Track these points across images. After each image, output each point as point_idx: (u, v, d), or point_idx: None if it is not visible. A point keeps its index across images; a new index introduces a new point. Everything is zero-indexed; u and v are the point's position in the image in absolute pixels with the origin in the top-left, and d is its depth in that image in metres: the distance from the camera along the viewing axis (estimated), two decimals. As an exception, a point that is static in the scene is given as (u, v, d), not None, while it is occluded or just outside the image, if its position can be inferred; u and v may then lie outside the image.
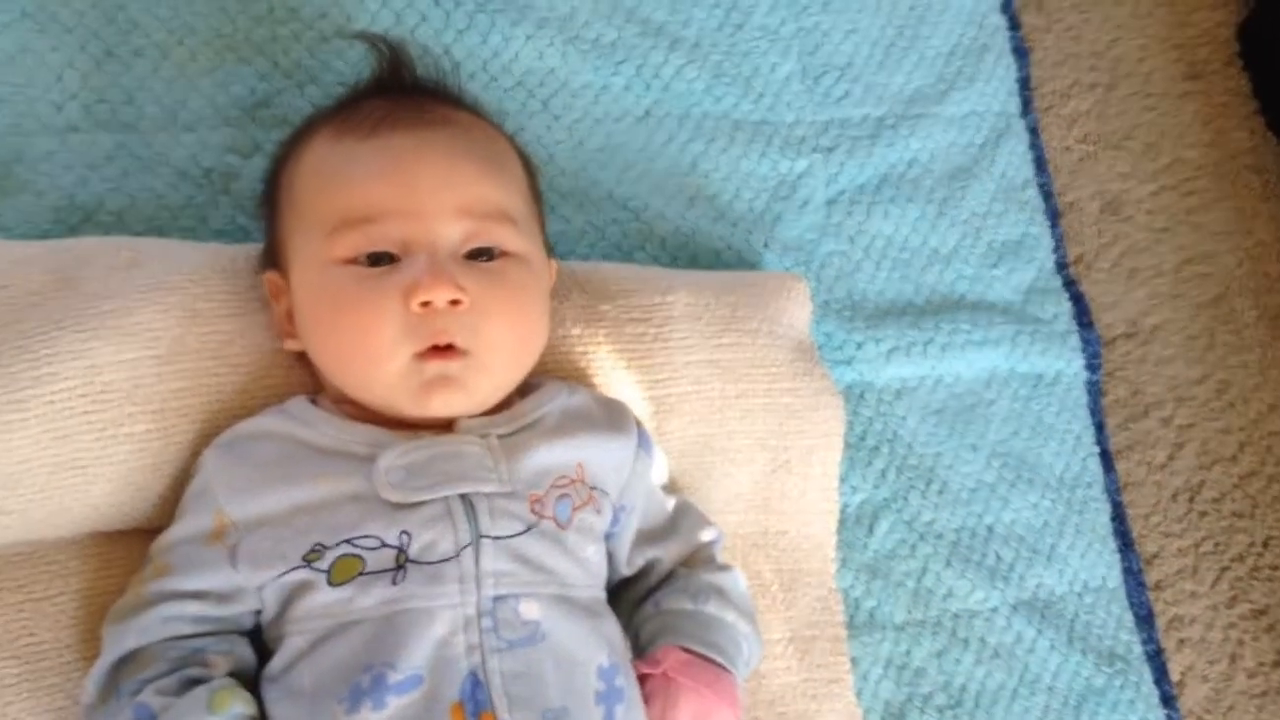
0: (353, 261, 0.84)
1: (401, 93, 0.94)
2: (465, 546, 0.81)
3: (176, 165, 1.05)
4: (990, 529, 1.21)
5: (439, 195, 0.85)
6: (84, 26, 1.06)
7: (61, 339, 0.85)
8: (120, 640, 0.81)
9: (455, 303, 0.82)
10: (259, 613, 0.84)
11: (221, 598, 0.83)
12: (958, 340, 1.24)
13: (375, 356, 0.83)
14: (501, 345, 0.86)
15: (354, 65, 1.09)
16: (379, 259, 0.84)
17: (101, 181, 1.03)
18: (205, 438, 0.89)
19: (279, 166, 0.93)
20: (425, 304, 0.82)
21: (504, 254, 0.87)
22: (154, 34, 1.08)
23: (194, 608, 0.82)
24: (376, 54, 0.96)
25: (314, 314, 0.86)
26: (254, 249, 0.95)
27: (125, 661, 0.81)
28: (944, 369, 1.24)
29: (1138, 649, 1.23)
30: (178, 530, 0.85)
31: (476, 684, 0.77)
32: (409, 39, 1.13)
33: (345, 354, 0.85)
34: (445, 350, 0.83)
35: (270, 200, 0.93)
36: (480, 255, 0.86)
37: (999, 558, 1.20)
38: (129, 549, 0.91)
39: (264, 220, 0.95)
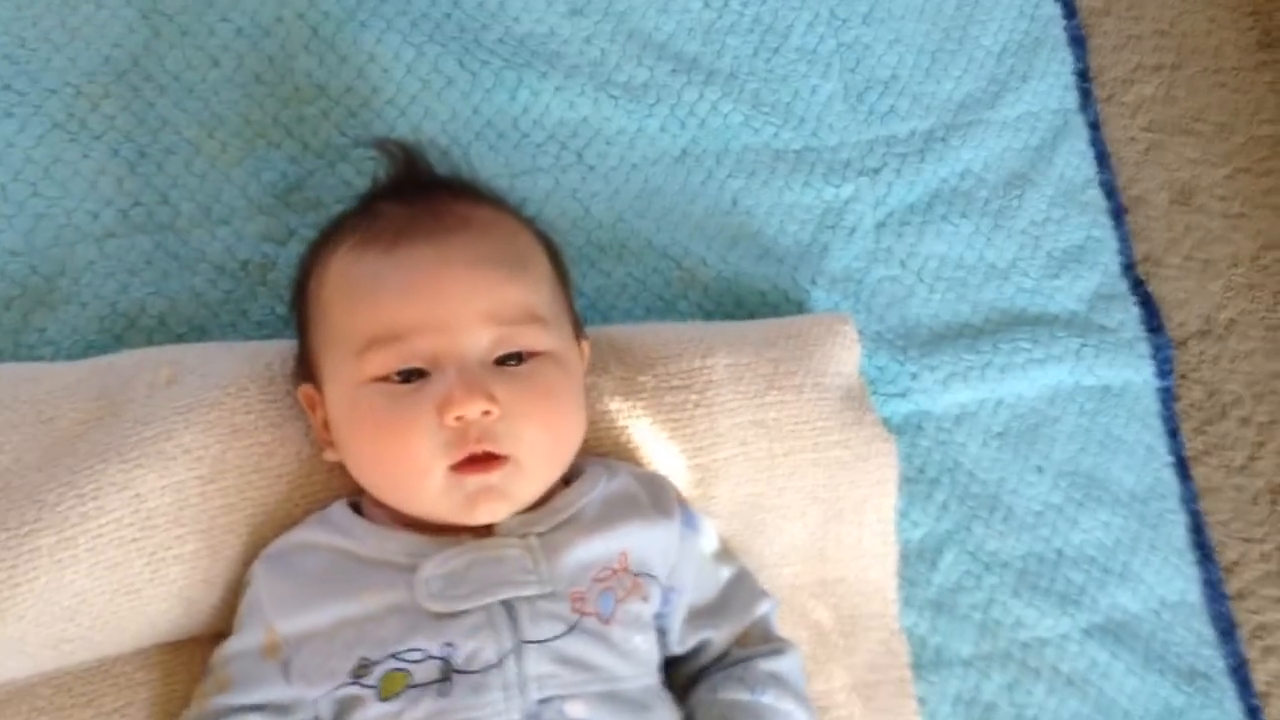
0: (384, 379, 0.85)
1: (418, 191, 0.94)
2: (508, 653, 0.82)
3: (214, 260, 1.07)
4: (1059, 553, 1.18)
5: (464, 306, 0.85)
6: (114, 130, 1.07)
7: (106, 472, 0.88)
8: None
9: (488, 413, 0.83)
10: (317, 718, 0.86)
11: (279, 709, 0.85)
12: (1018, 359, 1.21)
13: (414, 472, 0.84)
14: (538, 448, 0.86)
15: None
16: (410, 375, 0.85)
17: (142, 286, 1.05)
18: (254, 548, 0.91)
19: (305, 277, 0.93)
20: (459, 417, 0.83)
21: (533, 354, 0.88)
22: (184, 130, 1.09)
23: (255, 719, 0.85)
24: (390, 159, 0.96)
25: (350, 433, 0.88)
26: (290, 346, 0.96)
27: None
28: (1004, 390, 1.21)
29: (1220, 663, 1.20)
30: (235, 643, 0.88)
31: None
32: (435, 109, 1.13)
33: (384, 472, 0.87)
34: (482, 460, 0.84)
35: (298, 312, 0.94)
36: (510, 359, 0.87)
37: (1069, 581, 1.18)
38: (190, 655, 0.94)
39: (295, 330, 0.96)
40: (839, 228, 1.22)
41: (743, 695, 0.91)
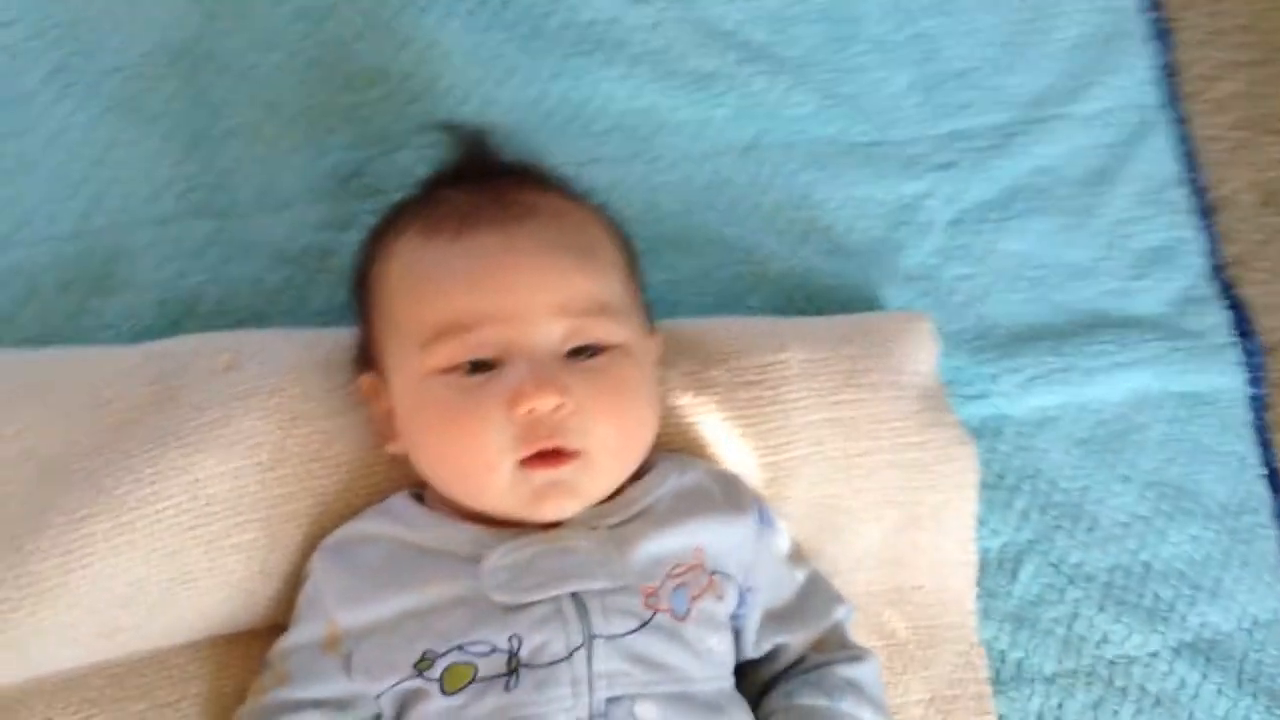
0: (451, 371, 0.82)
1: (483, 178, 0.91)
2: (577, 648, 0.79)
3: (272, 247, 1.04)
4: (1147, 566, 1.12)
5: (534, 296, 0.82)
6: (171, 113, 1.05)
7: (164, 456, 0.85)
8: None
9: (559, 407, 0.80)
10: (379, 715, 0.83)
11: (340, 705, 0.82)
12: (1102, 363, 1.16)
13: (481, 467, 0.81)
14: (610, 444, 0.83)
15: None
16: (478, 366, 0.82)
17: (200, 271, 1.02)
18: (313, 539, 0.88)
19: (366, 266, 0.91)
20: (530, 411, 0.79)
21: (606, 348, 0.84)
22: (243, 113, 1.06)
23: (314, 717, 0.81)
24: (454, 142, 0.93)
25: (416, 426, 0.85)
26: (350, 335, 0.93)
27: None
28: (1089, 395, 1.16)
29: (1316, 687, 1.14)
30: (294, 637, 0.85)
31: None
32: (497, 97, 1.10)
33: (451, 466, 0.84)
34: (552, 456, 0.81)
35: (360, 301, 0.91)
36: (581, 353, 0.83)
37: (1158, 597, 1.12)
38: (246, 649, 0.91)
39: (356, 318, 0.92)
40: (912, 224, 1.17)
41: (820, 701, 0.86)
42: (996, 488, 1.11)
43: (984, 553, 1.08)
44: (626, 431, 0.85)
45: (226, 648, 0.91)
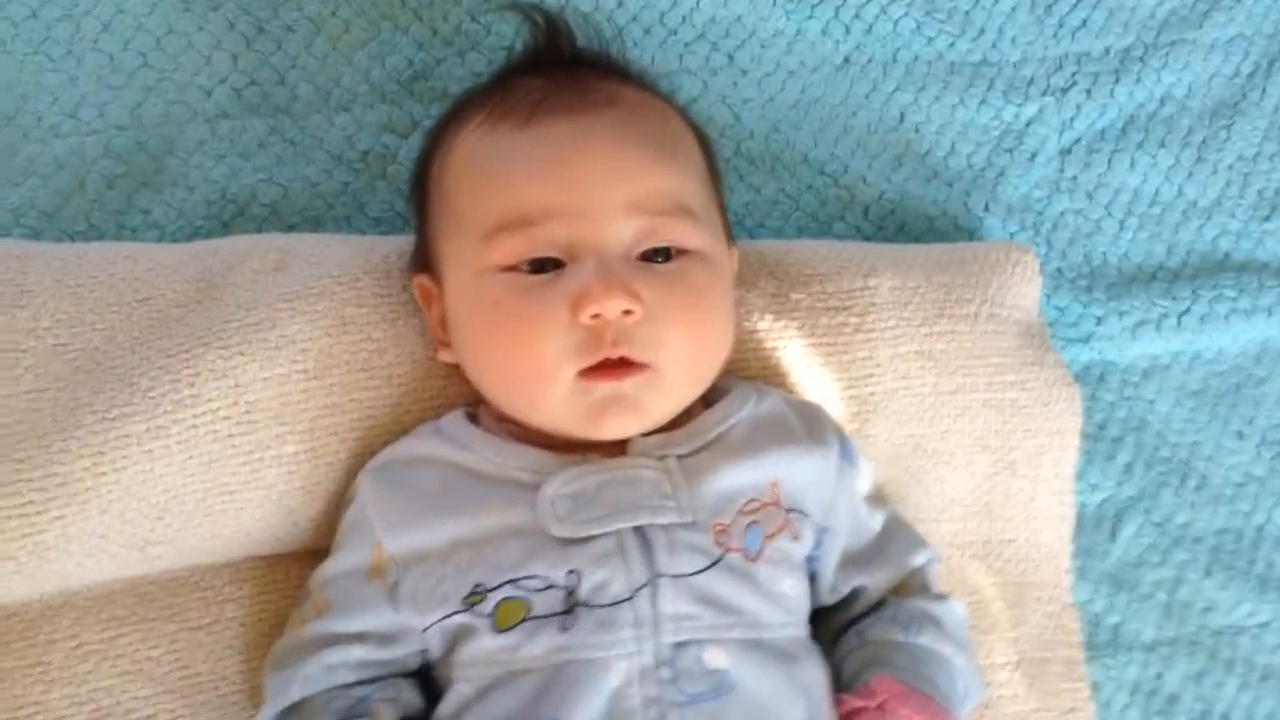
0: (512, 269, 0.76)
1: (560, 67, 0.84)
2: (641, 587, 0.73)
3: (331, 149, 0.99)
4: (1260, 531, 1.06)
5: (607, 190, 0.76)
6: (232, 2, 1.00)
7: (204, 357, 0.80)
8: (284, 690, 0.76)
9: (628, 312, 0.73)
10: (425, 651, 0.78)
11: (384, 639, 0.77)
12: (1220, 309, 1.08)
13: (539, 376, 0.75)
14: (681, 358, 0.76)
15: (520, 28, 0.99)
16: (542, 265, 0.76)
17: (254, 171, 0.97)
18: (358, 457, 0.83)
19: (428, 156, 0.84)
20: (596, 315, 0.73)
21: (682, 252, 0.78)
22: (306, 5, 1.01)
23: (357, 652, 0.76)
24: (531, 26, 0.86)
25: (470, 328, 0.78)
26: (409, 243, 0.88)
27: (289, 713, 0.77)
28: (1203, 343, 1.08)
29: None
30: (336, 563, 0.80)
31: None
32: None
33: (506, 373, 0.78)
34: (616, 367, 0.74)
35: (419, 194, 0.85)
36: (655, 256, 0.77)
37: (1270, 564, 1.05)
38: (286, 572, 0.87)
39: (413, 215, 0.86)
40: (1018, 151, 1.09)
41: (896, 635, 0.80)
42: (1098, 439, 1.05)
43: (1081, 508, 1.03)
44: (700, 344, 0.78)
45: (265, 570, 0.87)
